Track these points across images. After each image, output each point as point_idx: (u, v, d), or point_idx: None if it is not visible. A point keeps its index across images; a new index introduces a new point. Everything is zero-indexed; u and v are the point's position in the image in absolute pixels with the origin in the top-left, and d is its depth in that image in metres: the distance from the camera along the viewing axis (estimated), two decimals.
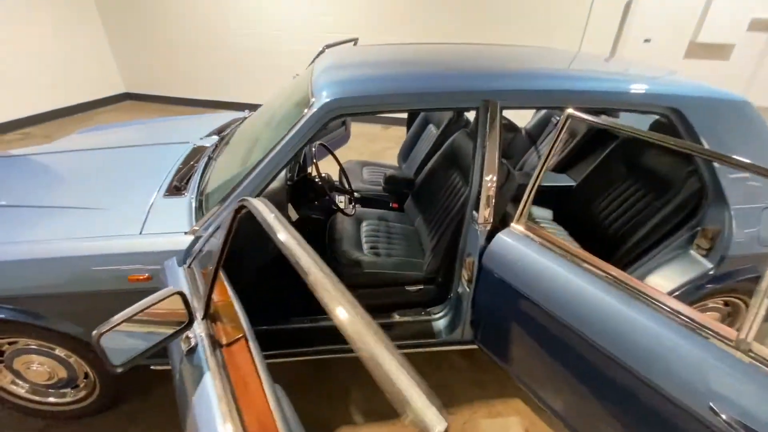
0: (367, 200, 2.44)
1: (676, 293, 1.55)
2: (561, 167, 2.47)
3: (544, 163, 1.35)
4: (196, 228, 1.35)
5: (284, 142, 1.34)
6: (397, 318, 1.76)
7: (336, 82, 1.41)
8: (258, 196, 1.38)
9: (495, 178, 1.41)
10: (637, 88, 1.46)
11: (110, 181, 1.69)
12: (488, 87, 1.41)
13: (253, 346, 0.97)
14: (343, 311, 0.54)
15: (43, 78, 5.31)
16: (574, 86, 1.44)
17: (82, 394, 1.62)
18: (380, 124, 5.72)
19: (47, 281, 1.32)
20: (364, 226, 2.08)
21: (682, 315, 1.06)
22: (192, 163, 1.79)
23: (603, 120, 1.26)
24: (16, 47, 4.96)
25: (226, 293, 1.10)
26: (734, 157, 1.03)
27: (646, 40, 4.69)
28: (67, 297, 1.34)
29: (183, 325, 0.93)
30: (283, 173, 1.57)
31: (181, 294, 0.90)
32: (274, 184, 1.46)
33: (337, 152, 3.64)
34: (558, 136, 1.32)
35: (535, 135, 2.78)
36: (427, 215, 2.12)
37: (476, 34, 4.92)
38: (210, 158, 1.81)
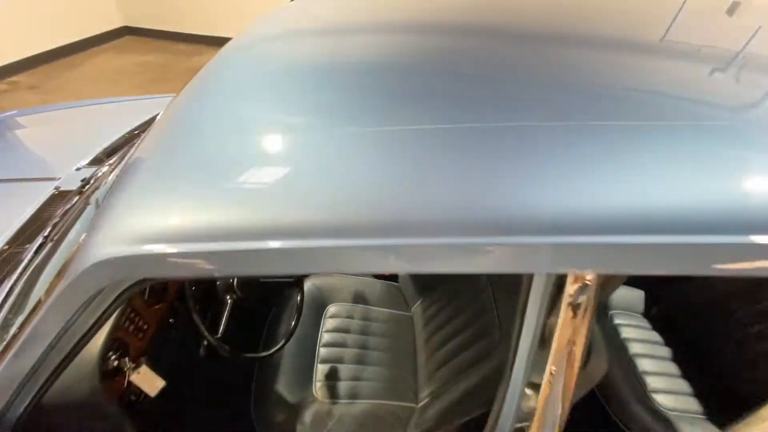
0: None
1: None
2: None
3: None
4: None
5: (34, 325, 0.55)
6: None
7: (144, 187, 0.53)
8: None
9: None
10: None
11: None
12: (562, 237, 0.43)
13: None
14: None
15: (29, 15, 4.59)
16: None
17: None
18: None
19: None
20: (329, 315, 1.31)
21: None
22: (22, 240, 1.06)
23: None
24: None
25: None
26: None
27: None
28: None
29: None
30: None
31: None
32: (74, 370, 0.72)
33: None
34: None
35: None
36: (428, 305, 1.30)
37: None
38: (47, 236, 1.06)
